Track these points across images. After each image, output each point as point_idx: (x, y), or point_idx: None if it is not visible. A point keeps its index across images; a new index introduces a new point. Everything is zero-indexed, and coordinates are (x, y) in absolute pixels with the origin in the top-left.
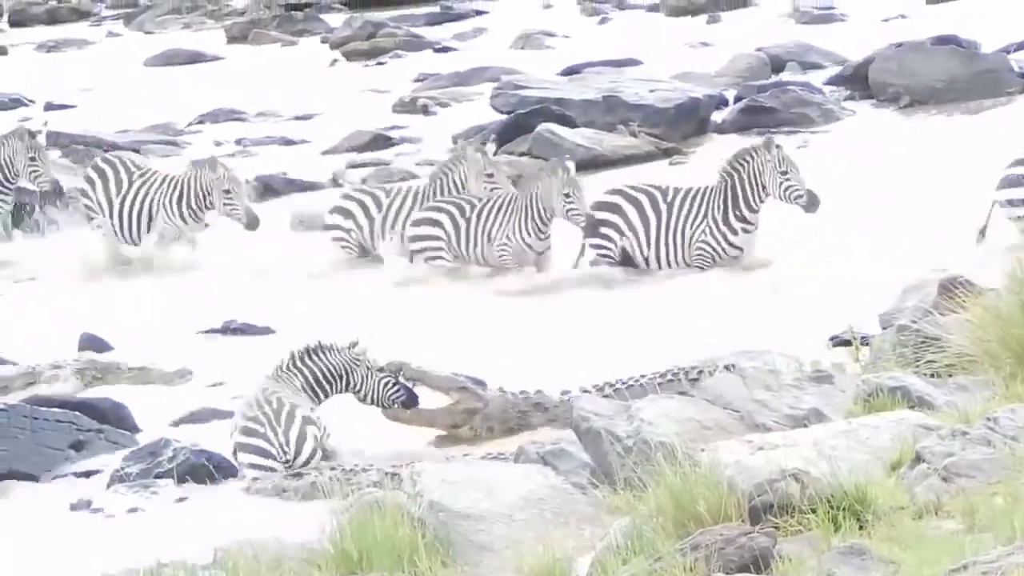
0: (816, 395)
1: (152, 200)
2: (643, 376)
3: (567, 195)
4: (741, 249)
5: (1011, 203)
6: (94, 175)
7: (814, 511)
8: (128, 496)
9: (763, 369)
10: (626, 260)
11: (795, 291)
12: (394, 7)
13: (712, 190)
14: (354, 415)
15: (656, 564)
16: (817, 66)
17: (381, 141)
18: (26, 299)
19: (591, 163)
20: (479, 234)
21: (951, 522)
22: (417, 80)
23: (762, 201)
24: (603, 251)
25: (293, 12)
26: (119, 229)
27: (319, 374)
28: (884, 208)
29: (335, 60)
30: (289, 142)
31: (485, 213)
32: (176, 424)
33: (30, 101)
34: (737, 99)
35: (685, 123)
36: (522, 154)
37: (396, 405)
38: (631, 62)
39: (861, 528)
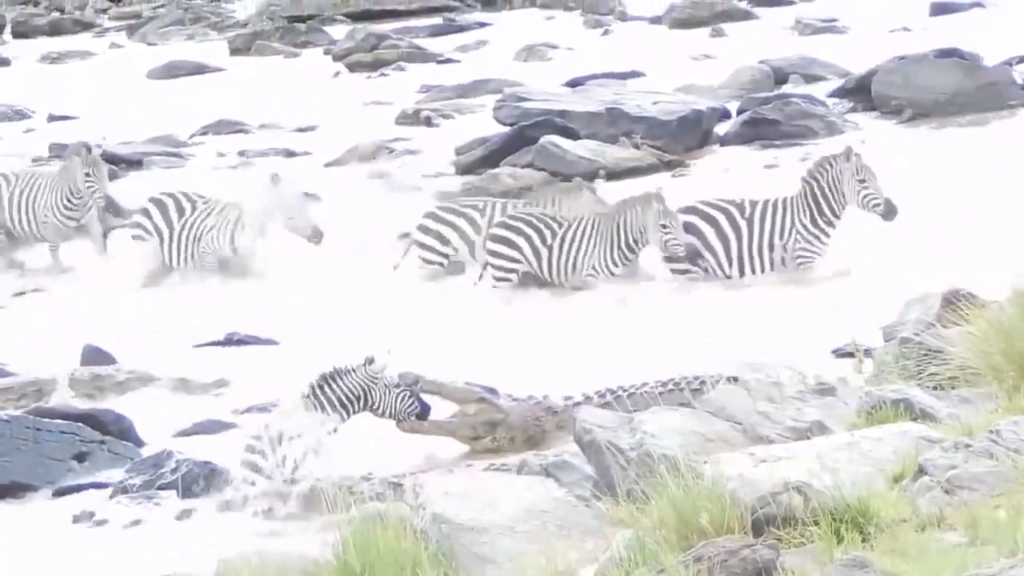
0: (819, 407)
1: (209, 229)
2: (644, 384)
3: (665, 226)
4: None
5: None
6: (151, 205)
7: (817, 523)
8: (131, 508)
9: (766, 381)
10: (706, 277)
11: (798, 303)
12: (397, 19)
13: (793, 200)
14: (369, 431)
15: None
16: (820, 78)
17: (383, 153)
18: (32, 310)
19: (593, 175)
20: (563, 261)
21: (954, 534)
22: (420, 92)
23: (843, 209)
24: (687, 272)
25: (296, 24)
26: (173, 256)
27: (339, 397)
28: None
29: (338, 72)
30: (292, 154)
31: (569, 239)
32: (180, 435)
33: (33, 112)
34: (740, 111)
35: (688, 135)
36: (525, 166)
37: (411, 417)
38: (634, 74)
39: (864, 540)
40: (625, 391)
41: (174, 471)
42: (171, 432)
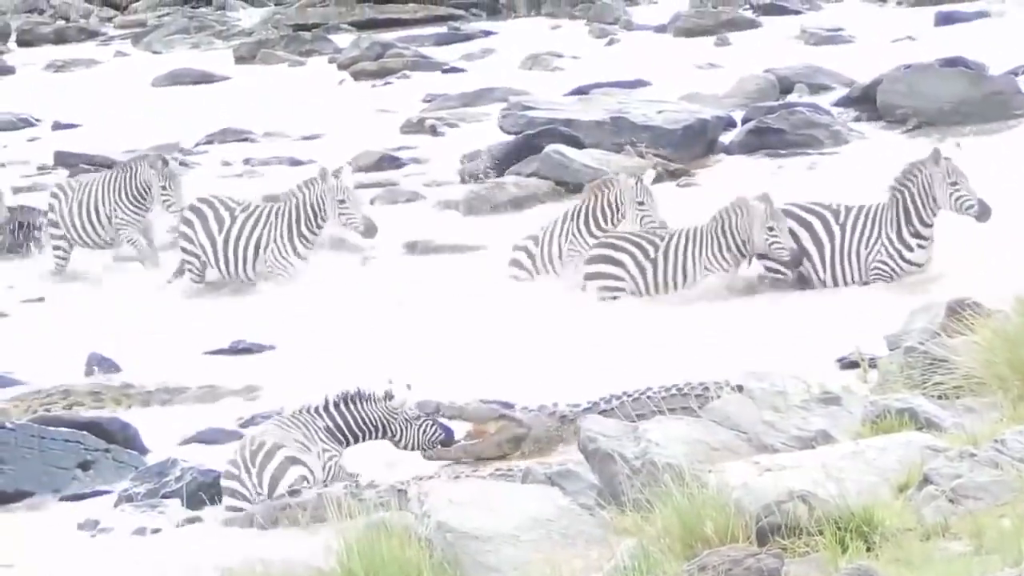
0: (824, 416)
1: (260, 234)
2: (648, 389)
3: (770, 229)
4: (919, 265)
5: None
6: (192, 216)
7: (821, 533)
8: (135, 516)
9: (771, 390)
10: (801, 282)
11: (802, 312)
12: (402, 28)
13: (884, 207)
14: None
15: None
16: (825, 88)
17: (389, 161)
18: (37, 318)
19: None
20: (671, 272)
21: (958, 544)
22: (425, 100)
23: (935, 215)
24: (779, 275)
25: (301, 32)
26: (224, 267)
27: (352, 423)
28: None
29: (343, 80)
30: (297, 162)
31: (673, 249)
32: (183, 444)
33: (37, 120)
34: (745, 120)
35: (693, 144)
36: (530, 175)
37: (435, 446)
38: (639, 83)
39: (868, 550)
40: (630, 396)
41: (179, 479)
42: (176, 440)
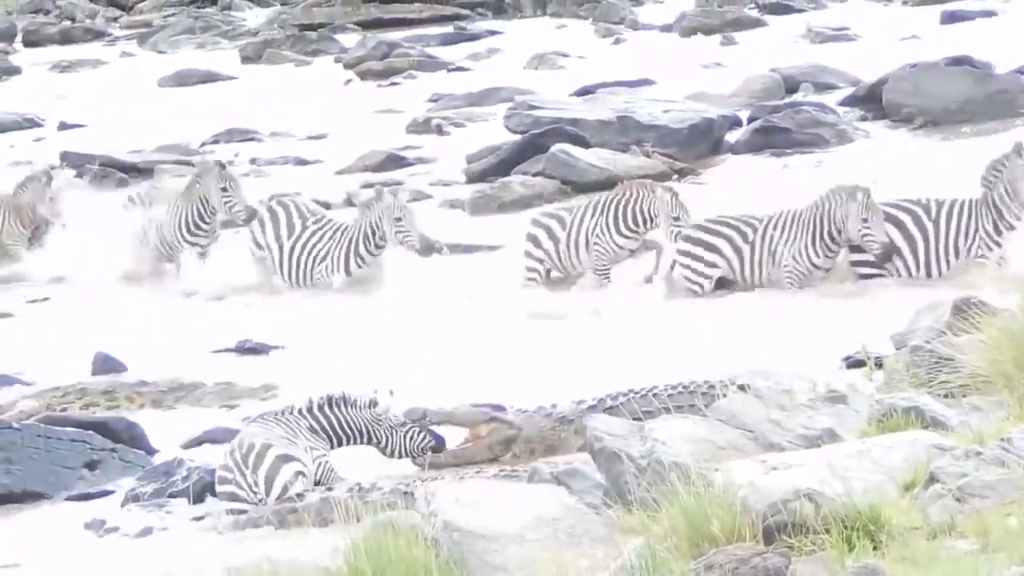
0: (830, 415)
1: (325, 249)
2: (654, 387)
3: (864, 220)
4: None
5: None
6: (266, 216)
7: (828, 531)
8: (142, 515)
9: (777, 389)
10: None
11: (808, 311)
12: (408, 27)
13: (977, 202)
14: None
15: None
16: (831, 86)
17: (395, 161)
18: (43, 318)
19: (604, 183)
20: (767, 256)
21: (965, 542)
22: (431, 100)
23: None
24: (865, 268)
25: (307, 32)
26: (286, 272)
27: (336, 425)
28: None
29: (349, 80)
30: (303, 162)
31: (769, 234)
32: (189, 445)
33: (43, 121)
34: (751, 119)
35: (699, 143)
36: (536, 175)
37: (425, 453)
38: (645, 82)
39: (875, 548)
40: (636, 394)
41: (185, 479)
42: (181, 440)
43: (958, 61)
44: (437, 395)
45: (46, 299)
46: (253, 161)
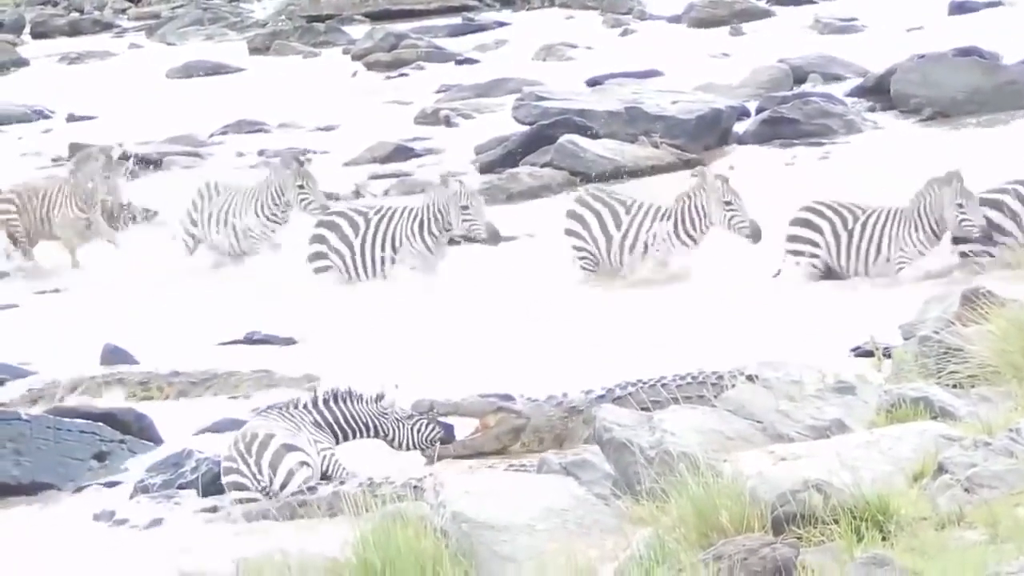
0: (839, 406)
1: (393, 235)
2: (663, 378)
3: (960, 206)
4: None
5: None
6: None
7: (837, 522)
8: (151, 507)
9: (786, 380)
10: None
11: (816, 301)
12: (416, 19)
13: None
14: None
15: (679, 575)
16: (839, 77)
17: (403, 152)
18: (50, 309)
19: (613, 174)
20: (866, 245)
21: (973, 533)
22: (439, 91)
23: None
24: (976, 257)
25: (315, 24)
26: (359, 267)
27: (341, 420)
28: None
29: (357, 71)
30: (311, 153)
31: (872, 224)
32: (198, 434)
33: (52, 112)
34: (759, 110)
35: (707, 134)
36: (544, 165)
37: (434, 445)
38: (653, 73)
39: (884, 539)
40: (645, 384)
41: (194, 470)
42: (191, 430)
43: (966, 52)
44: (446, 385)
45: (56, 291)
46: (261, 152)
